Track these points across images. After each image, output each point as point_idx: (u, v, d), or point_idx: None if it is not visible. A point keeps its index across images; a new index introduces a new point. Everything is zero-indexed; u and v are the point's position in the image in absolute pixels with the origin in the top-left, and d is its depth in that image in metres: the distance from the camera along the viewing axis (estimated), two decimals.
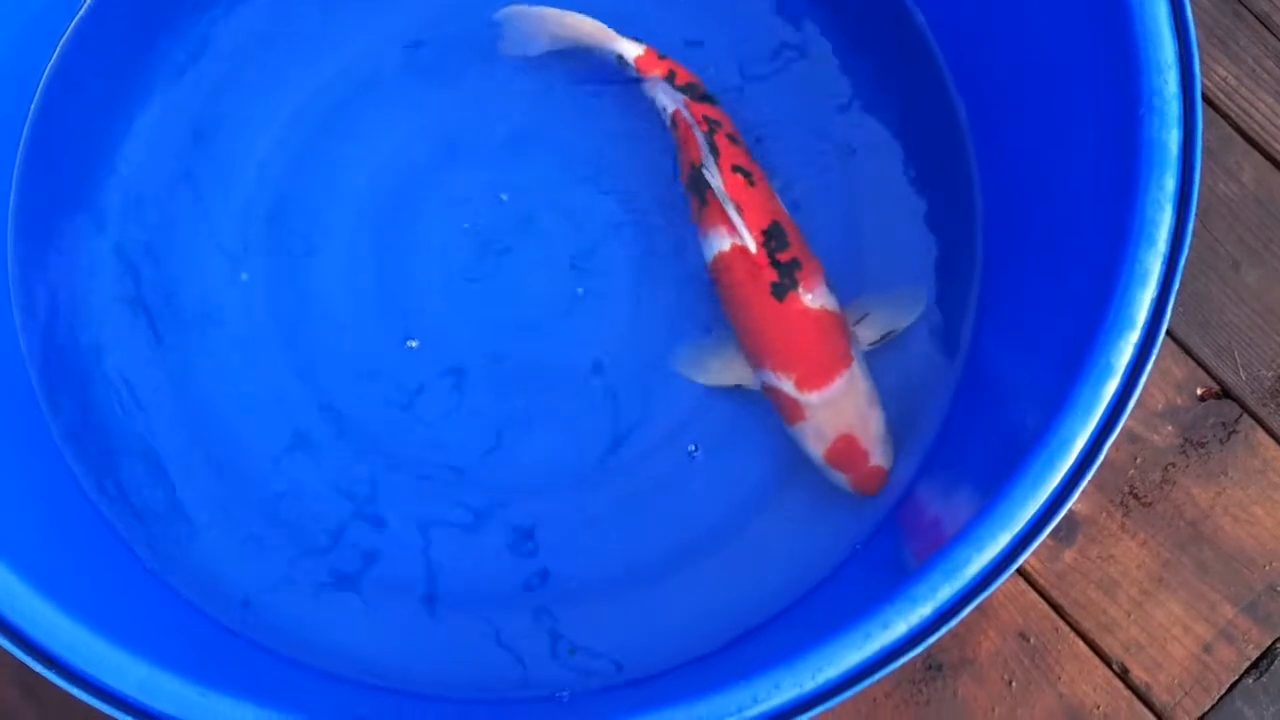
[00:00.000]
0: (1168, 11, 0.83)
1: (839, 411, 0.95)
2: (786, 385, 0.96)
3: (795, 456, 0.99)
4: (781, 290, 0.95)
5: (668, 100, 1.01)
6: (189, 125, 1.06)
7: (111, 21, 1.06)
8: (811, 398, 0.95)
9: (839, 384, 0.95)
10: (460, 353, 1.03)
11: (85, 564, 0.92)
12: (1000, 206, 1.00)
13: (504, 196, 1.05)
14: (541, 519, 1.00)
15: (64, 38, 1.05)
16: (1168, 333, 0.80)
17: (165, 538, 0.98)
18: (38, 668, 0.75)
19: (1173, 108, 0.81)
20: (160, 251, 1.04)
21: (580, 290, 1.03)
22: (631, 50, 1.02)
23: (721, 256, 0.97)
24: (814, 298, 0.96)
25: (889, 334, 0.99)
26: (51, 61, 1.05)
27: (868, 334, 0.98)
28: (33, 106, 1.04)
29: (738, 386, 0.99)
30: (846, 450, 0.95)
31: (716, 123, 0.99)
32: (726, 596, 0.97)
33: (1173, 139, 0.81)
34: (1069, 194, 0.89)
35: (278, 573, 0.98)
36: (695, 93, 1.01)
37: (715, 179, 0.96)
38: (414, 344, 1.02)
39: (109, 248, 1.04)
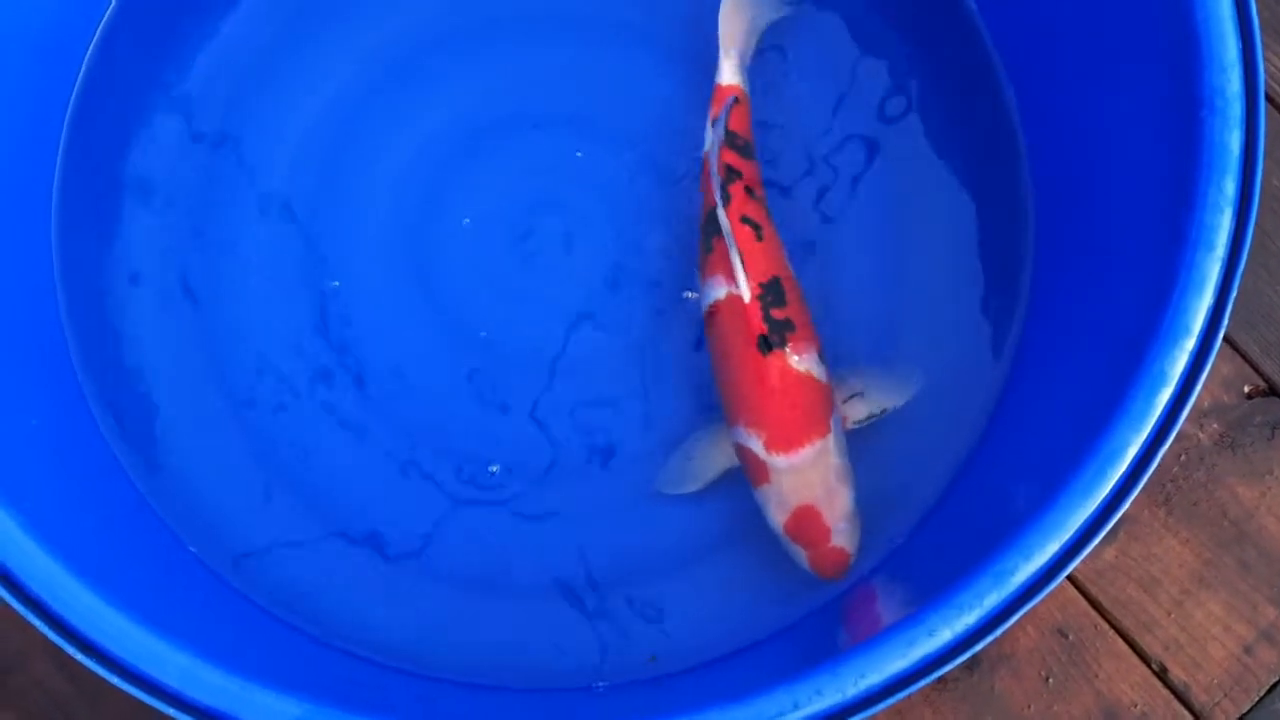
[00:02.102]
0: (1231, 8, 0.81)
1: (805, 481, 0.92)
2: (755, 445, 0.92)
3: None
4: (767, 345, 0.92)
5: (708, 138, 0.99)
6: (234, 86, 1.06)
7: None
8: (778, 461, 0.92)
9: (808, 452, 0.92)
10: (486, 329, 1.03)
11: (129, 549, 0.92)
12: (1052, 209, 0.99)
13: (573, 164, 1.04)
14: (567, 503, 1.00)
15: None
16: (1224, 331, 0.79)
17: (208, 522, 0.98)
18: (77, 655, 0.75)
19: (1235, 108, 0.80)
20: (203, 209, 1.05)
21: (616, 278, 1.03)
22: (725, 74, 1.01)
23: (716, 305, 0.95)
24: (800, 361, 0.93)
25: (880, 413, 0.97)
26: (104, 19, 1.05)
27: (856, 411, 0.96)
28: (84, 61, 1.04)
29: (727, 472, 0.97)
30: (807, 523, 0.92)
31: (737, 172, 0.97)
32: (769, 587, 0.96)
33: (1234, 141, 0.79)
34: (1125, 197, 0.88)
35: (320, 558, 0.98)
36: (733, 141, 0.98)
37: (724, 223, 0.94)
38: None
39: (154, 207, 1.04)
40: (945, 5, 1.04)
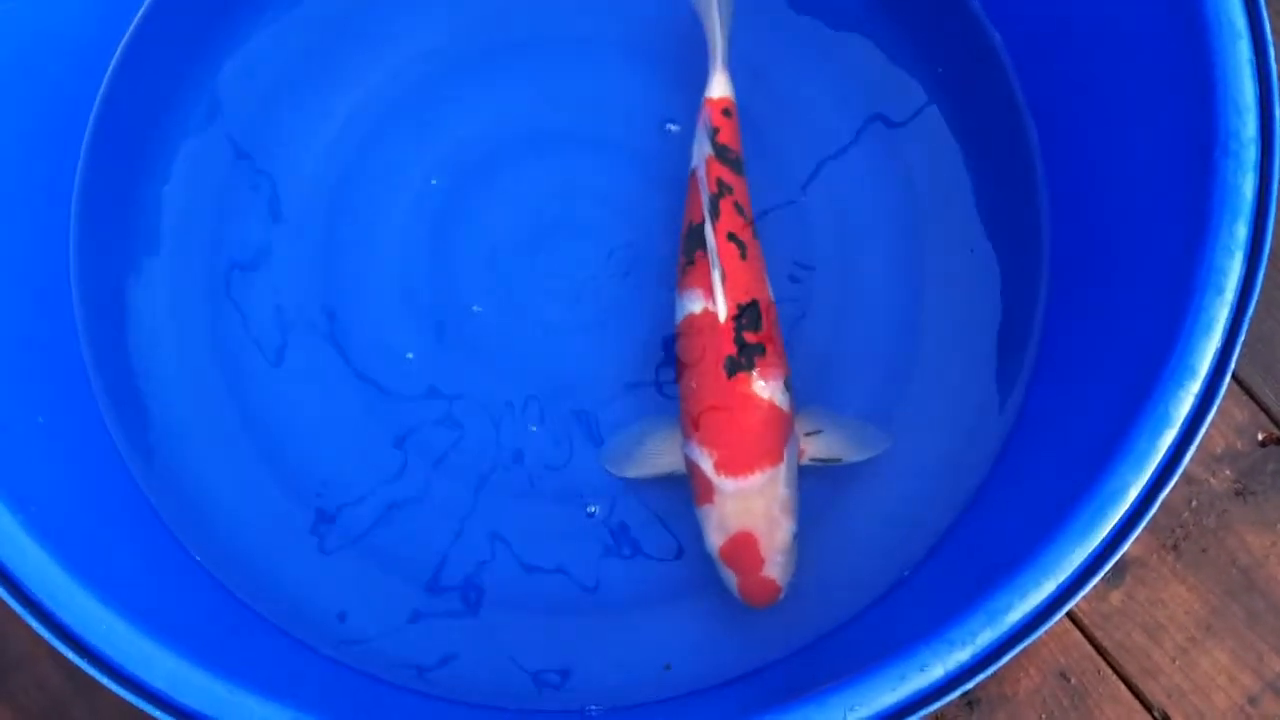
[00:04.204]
0: (1249, 51, 0.81)
1: (747, 507, 0.91)
2: (705, 463, 0.92)
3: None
4: (734, 367, 0.92)
5: (697, 151, 0.99)
6: (255, 108, 1.07)
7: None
8: (725, 483, 0.91)
9: (757, 478, 0.91)
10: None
11: (131, 552, 0.92)
12: (1066, 249, 0.98)
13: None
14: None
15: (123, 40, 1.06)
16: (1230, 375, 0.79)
17: (212, 528, 0.98)
18: (70, 654, 0.75)
19: (1250, 152, 0.79)
20: (219, 222, 1.05)
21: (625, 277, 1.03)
22: (716, 87, 1.00)
23: (690, 319, 0.95)
24: (764, 387, 0.93)
25: (835, 460, 0.95)
26: (115, 56, 1.06)
27: (812, 449, 0.95)
28: (100, 92, 1.05)
29: (669, 475, 0.96)
30: (743, 550, 0.91)
31: (728, 188, 0.97)
32: (764, 619, 0.95)
33: (1248, 184, 0.79)
34: (1138, 239, 0.87)
35: (326, 571, 0.98)
36: (724, 154, 0.98)
37: (710, 239, 0.93)
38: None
39: (172, 219, 1.05)
40: (971, 43, 1.04)
